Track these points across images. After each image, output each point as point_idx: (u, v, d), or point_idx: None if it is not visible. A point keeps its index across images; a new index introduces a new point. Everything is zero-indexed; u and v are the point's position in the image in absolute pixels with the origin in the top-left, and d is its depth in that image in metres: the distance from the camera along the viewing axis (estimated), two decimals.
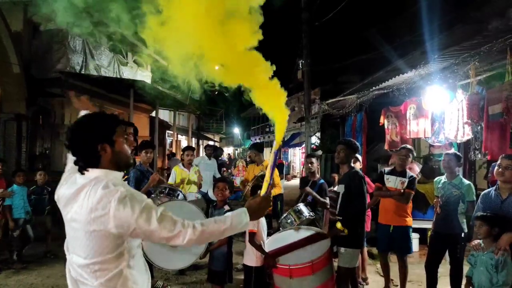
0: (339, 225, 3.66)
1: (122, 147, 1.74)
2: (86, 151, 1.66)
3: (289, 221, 4.52)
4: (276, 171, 6.06)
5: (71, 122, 1.96)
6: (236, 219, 1.77)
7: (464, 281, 3.61)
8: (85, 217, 1.57)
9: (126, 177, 3.91)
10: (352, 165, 4.03)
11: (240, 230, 1.81)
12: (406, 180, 4.48)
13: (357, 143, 4.14)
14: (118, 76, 12.52)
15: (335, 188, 5.00)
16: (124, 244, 1.61)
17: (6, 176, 6.39)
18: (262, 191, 1.98)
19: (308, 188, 5.16)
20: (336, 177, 5.96)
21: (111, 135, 1.70)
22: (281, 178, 7.67)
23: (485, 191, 3.70)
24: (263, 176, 5.30)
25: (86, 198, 1.58)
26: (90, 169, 1.66)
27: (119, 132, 1.73)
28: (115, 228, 1.55)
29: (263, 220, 3.87)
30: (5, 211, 5.82)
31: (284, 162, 7.88)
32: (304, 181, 5.49)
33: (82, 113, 2.08)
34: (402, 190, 4.46)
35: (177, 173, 5.78)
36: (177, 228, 1.60)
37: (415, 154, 5.34)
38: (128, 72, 13.58)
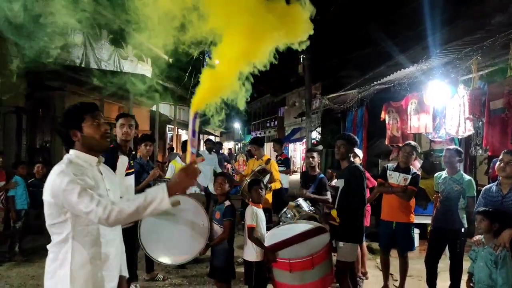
0: (334, 212, 3.67)
1: (90, 132, 1.96)
2: (63, 136, 1.99)
3: (289, 215, 4.52)
4: (276, 166, 6.03)
5: None
6: (151, 196, 1.75)
7: (465, 277, 3.61)
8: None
9: (132, 170, 3.93)
10: (352, 160, 4.02)
11: (160, 207, 1.75)
12: (409, 176, 4.42)
13: (356, 137, 4.11)
14: (119, 70, 12.47)
15: (333, 183, 4.98)
16: (67, 214, 1.83)
17: (6, 168, 6.38)
18: (187, 161, 1.93)
19: (307, 193, 4.92)
20: (332, 171, 5.95)
21: (79, 122, 1.95)
22: (287, 173, 7.74)
23: (487, 186, 3.69)
24: (260, 171, 5.30)
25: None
26: (70, 150, 1.98)
27: (88, 119, 1.96)
28: (51, 198, 1.82)
29: (261, 215, 3.86)
30: (9, 202, 5.82)
31: (288, 156, 7.92)
32: (304, 176, 5.47)
33: None
34: (404, 187, 4.42)
35: (175, 167, 5.75)
36: (92, 205, 1.74)
37: (419, 151, 5.30)
38: (129, 66, 13.54)
